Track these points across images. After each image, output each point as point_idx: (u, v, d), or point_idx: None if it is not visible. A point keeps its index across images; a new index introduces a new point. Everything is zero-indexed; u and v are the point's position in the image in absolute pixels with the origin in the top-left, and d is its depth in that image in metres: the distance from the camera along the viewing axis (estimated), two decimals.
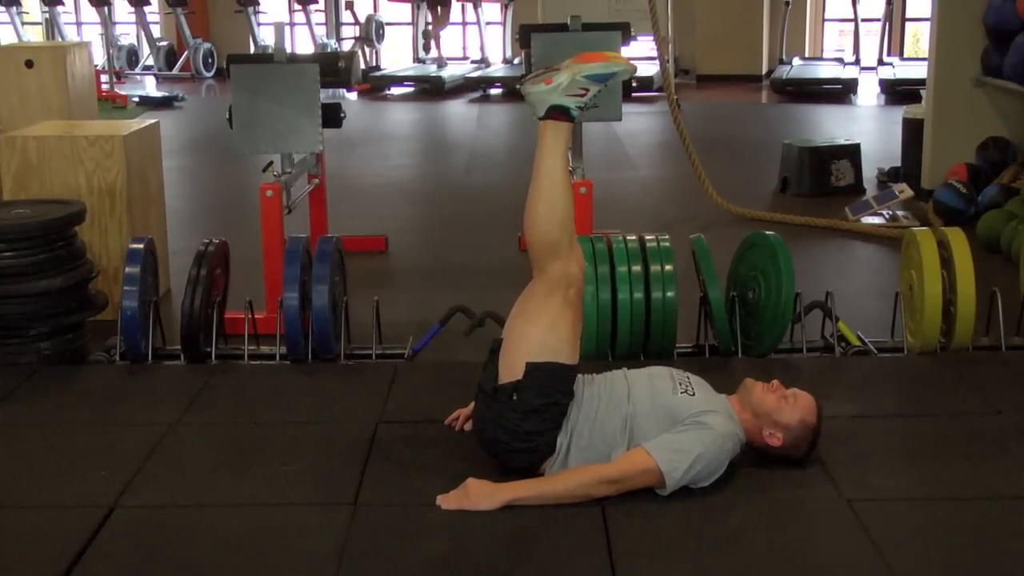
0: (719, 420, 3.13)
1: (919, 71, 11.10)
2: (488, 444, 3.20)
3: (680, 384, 3.24)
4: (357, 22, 17.08)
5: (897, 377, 4.14)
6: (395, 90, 15.44)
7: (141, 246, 4.42)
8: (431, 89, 15.08)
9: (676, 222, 7.09)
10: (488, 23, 17.16)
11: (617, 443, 3.12)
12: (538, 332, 3.12)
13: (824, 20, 17.69)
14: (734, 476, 3.15)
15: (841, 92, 14.06)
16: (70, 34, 17.98)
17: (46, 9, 17.09)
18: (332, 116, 5.53)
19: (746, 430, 3.20)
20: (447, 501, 3.03)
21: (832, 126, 11.73)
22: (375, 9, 18.25)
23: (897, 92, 13.41)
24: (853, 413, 3.72)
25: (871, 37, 16.19)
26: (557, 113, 3.17)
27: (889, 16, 15.90)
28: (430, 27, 16.58)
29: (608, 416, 3.16)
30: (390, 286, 6.08)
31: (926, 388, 3.99)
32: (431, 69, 15.95)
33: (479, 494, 3.02)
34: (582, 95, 3.16)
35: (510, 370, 3.13)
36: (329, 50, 15.60)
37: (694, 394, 3.20)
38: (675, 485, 3.04)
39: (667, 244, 4.31)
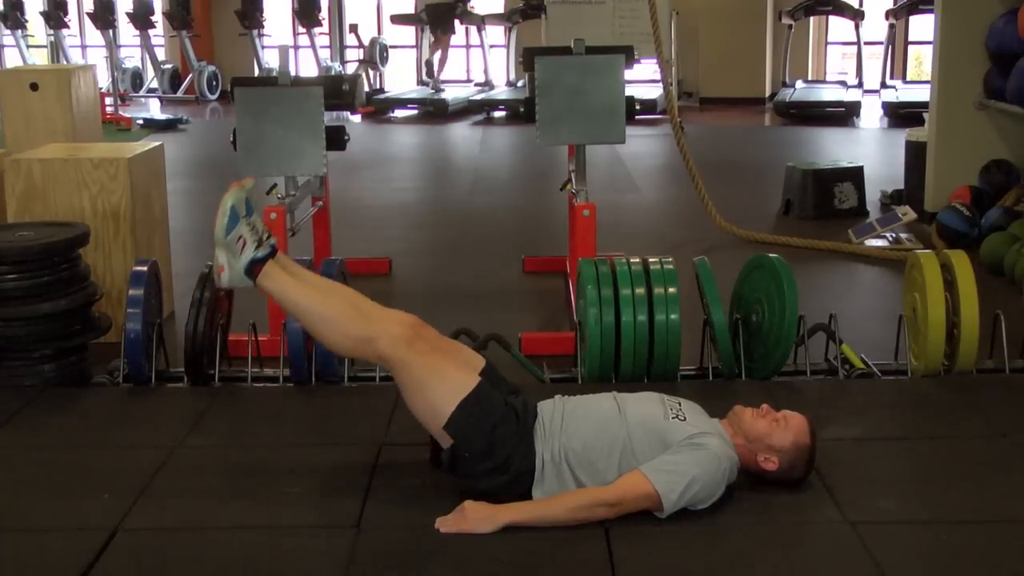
0: (714, 441, 3.13)
1: (922, 94, 11.11)
2: (481, 497, 3.16)
3: (671, 410, 3.23)
4: (361, 45, 17.14)
5: (901, 400, 4.14)
6: (399, 112, 15.47)
7: (145, 268, 4.43)
8: (435, 112, 15.10)
9: (679, 244, 7.10)
10: (492, 46, 17.20)
11: (608, 465, 3.12)
12: (428, 395, 3.15)
13: (827, 43, 17.72)
14: (737, 499, 3.15)
15: (844, 115, 14.07)
16: (75, 57, 18.05)
17: (51, 32, 17.17)
18: (336, 139, 5.54)
19: (740, 456, 3.19)
20: (445, 524, 3.02)
21: (835, 149, 11.74)
22: (379, 32, 18.29)
23: (900, 115, 13.41)
24: (857, 436, 3.71)
25: (874, 60, 16.21)
26: (255, 267, 3.27)
27: (892, 39, 15.92)
28: (430, 52, 16.61)
29: (598, 437, 3.15)
30: (394, 308, 6.08)
31: (930, 411, 3.99)
32: (434, 92, 15.99)
33: (477, 517, 3.02)
34: (244, 243, 3.26)
35: (443, 440, 3.16)
36: (333, 73, 15.66)
37: (685, 419, 3.20)
38: (672, 507, 3.03)
39: (671, 267, 4.31)
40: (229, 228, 3.24)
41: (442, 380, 3.14)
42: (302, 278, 3.35)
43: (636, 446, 3.13)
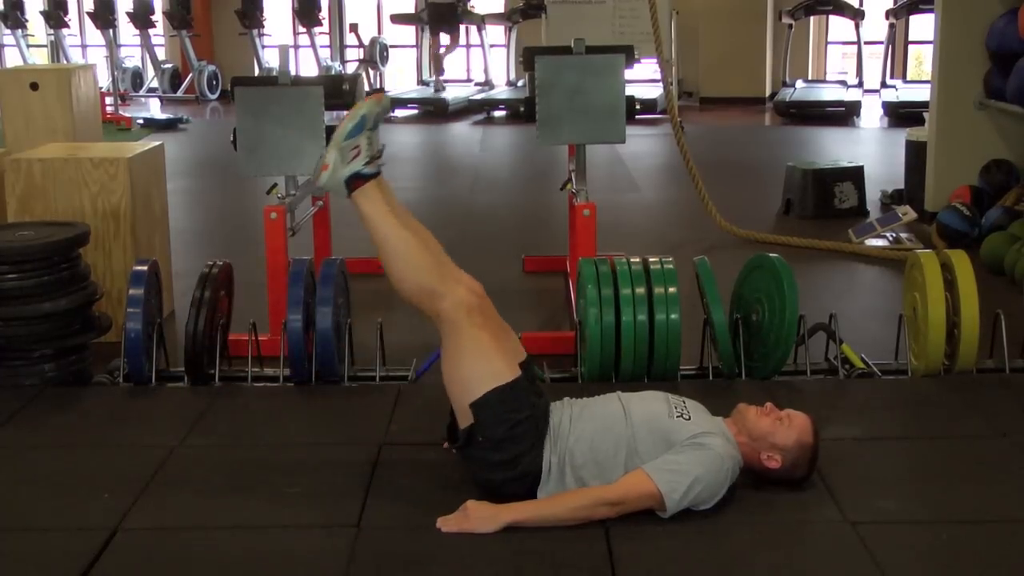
0: (717, 441, 3.13)
1: (922, 94, 11.11)
2: (484, 487, 3.20)
3: (676, 408, 3.24)
4: (361, 44, 17.13)
5: (901, 400, 4.14)
6: (399, 112, 15.47)
7: (145, 268, 4.43)
8: (435, 111, 15.10)
9: (679, 244, 7.10)
10: (492, 45, 17.19)
11: (614, 464, 3.12)
12: (464, 371, 3.15)
13: (827, 43, 17.71)
14: (738, 499, 3.15)
15: (844, 115, 14.07)
16: (75, 56, 18.06)
17: (51, 32, 17.17)
18: None
19: (744, 454, 3.20)
20: (447, 524, 3.02)
21: (835, 148, 11.74)
22: (379, 31, 18.29)
23: (900, 115, 13.41)
24: (857, 435, 3.71)
25: (874, 60, 16.20)
26: (354, 181, 3.25)
27: (892, 39, 15.92)
28: (443, 49, 16.61)
29: (604, 438, 3.16)
30: (394, 308, 6.06)
31: (930, 410, 3.99)
32: (435, 91, 15.98)
33: (479, 517, 3.02)
34: (357, 153, 3.27)
35: (464, 417, 3.16)
36: (333, 72, 15.65)
37: (690, 418, 3.20)
38: (675, 507, 3.03)
39: (671, 266, 4.31)
40: (352, 133, 3.25)
41: (485, 360, 3.14)
42: (395, 210, 3.30)
43: (640, 445, 3.13)
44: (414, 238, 3.25)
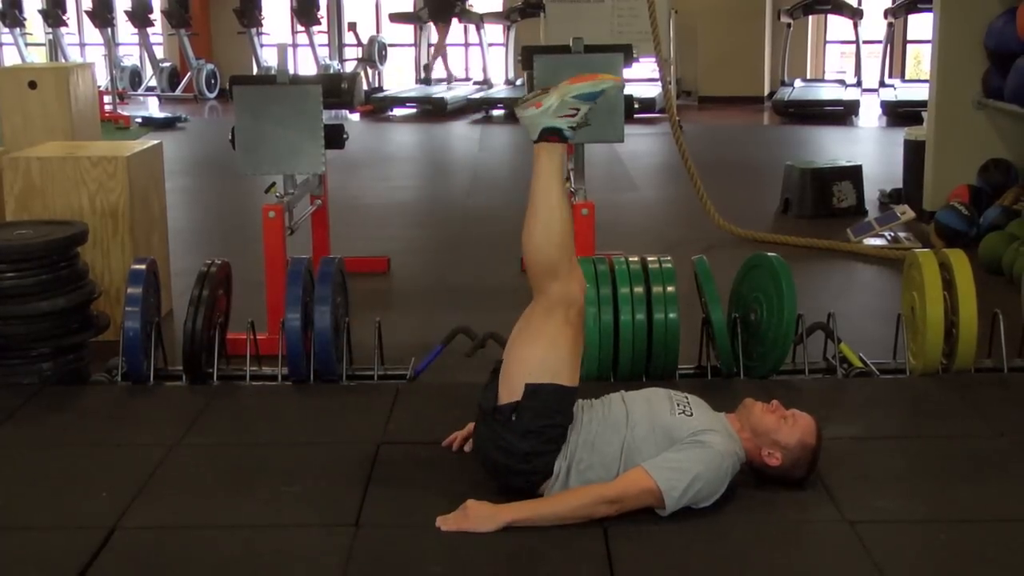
0: (718, 439, 3.13)
1: (920, 93, 11.13)
2: (487, 464, 3.20)
3: (678, 405, 3.24)
4: (360, 43, 17.14)
5: (899, 399, 4.14)
6: (398, 111, 15.47)
7: (143, 267, 4.42)
8: (433, 110, 15.10)
9: (678, 243, 7.10)
10: (491, 44, 17.20)
11: (616, 466, 3.12)
12: (538, 353, 3.13)
13: (826, 42, 17.73)
14: (736, 497, 3.15)
15: (843, 114, 14.09)
16: (73, 55, 18.06)
17: (49, 30, 17.16)
18: (335, 137, 5.53)
19: (745, 449, 3.20)
20: (446, 523, 3.02)
21: (834, 148, 11.74)
22: (378, 30, 18.29)
23: (898, 114, 13.43)
24: (855, 434, 3.71)
25: (872, 59, 16.22)
26: (550, 135, 3.20)
27: (890, 38, 15.94)
28: (432, 49, 16.62)
29: (607, 440, 3.16)
30: (392, 307, 6.09)
31: (928, 410, 3.99)
32: (434, 90, 15.98)
33: (479, 515, 3.02)
34: (572, 115, 3.20)
35: (510, 391, 3.13)
36: (332, 71, 15.64)
37: (692, 414, 3.21)
38: (675, 505, 3.03)
39: (669, 265, 4.31)
40: (583, 96, 3.20)
41: (557, 354, 3.12)
42: (563, 181, 3.27)
43: (643, 444, 3.13)
44: (566, 215, 3.21)
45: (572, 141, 3.30)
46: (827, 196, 8.18)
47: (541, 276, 3.17)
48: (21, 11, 17.40)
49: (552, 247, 3.16)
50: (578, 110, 3.20)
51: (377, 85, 17.03)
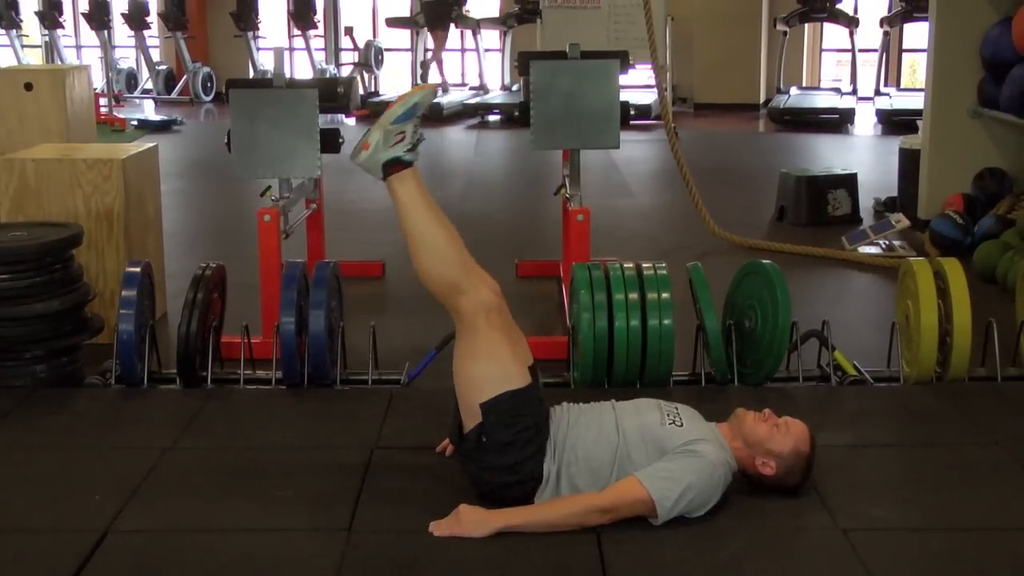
0: (709, 448, 3.13)
1: (916, 102, 11.13)
2: (482, 489, 3.20)
3: (668, 415, 3.24)
4: (356, 48, 17.12)
5: (893, 407, 4.14)
6: None
7: (138, 270, 4.42)
8: (429, 115, 15.06)
9: (673, 250, 7.10)
10: (487, 50, 17.20)
11: (608, 472, 3.13)
12: (479, 369, 3.14)
13: (821, 50, 17.74)
14: (730, 505, 3.15)
15: (838, 122, 14.09)
16: (69, 57, 18.03)
17: (46, 32, 17.13)
18: (331, 141, 5.53)
19: (738, 459, 3.20)
20: (439, 528, 3.02)
21: (829, 156, 11.75)
22: (374, 35, 18.28)
23: (894, 122, 13.43)
24: (849, 443, 3.72)
25: (868, 67, 16.23)
26: (392, 166, 3.24)
27: (886, 47, 15.95)
28: (429, 53, 16.63)
29: (598, 446, 3.16)
30: (387, 312, 6.08)
31: (922, 418, 3.99)
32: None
33: (471, 521, 3.02)
34: (401, 139, 3.24)
35: (470, 416, 3.15)
36: (328, 75, 15.64)
37: (682, 425, 3.21)
38: (667, 515, 3.03)
39: (664, 272, 4.31)
40: (401, 119, 3.22)
41: (497, 362, 3.13)
42: (428, 200, 3.29)
43: (634, 453, 3.13)
44: (444, 231, 3.23)
45: (414, 161, 3.28)
46: (822, 204, 8.18)
47: (447, 296, 3.20)
48: (17, 12, 17.37)
49: (444, 267, 3.19)
50: (404, 132, 3.24)
51: (373, 89, 17.02)
